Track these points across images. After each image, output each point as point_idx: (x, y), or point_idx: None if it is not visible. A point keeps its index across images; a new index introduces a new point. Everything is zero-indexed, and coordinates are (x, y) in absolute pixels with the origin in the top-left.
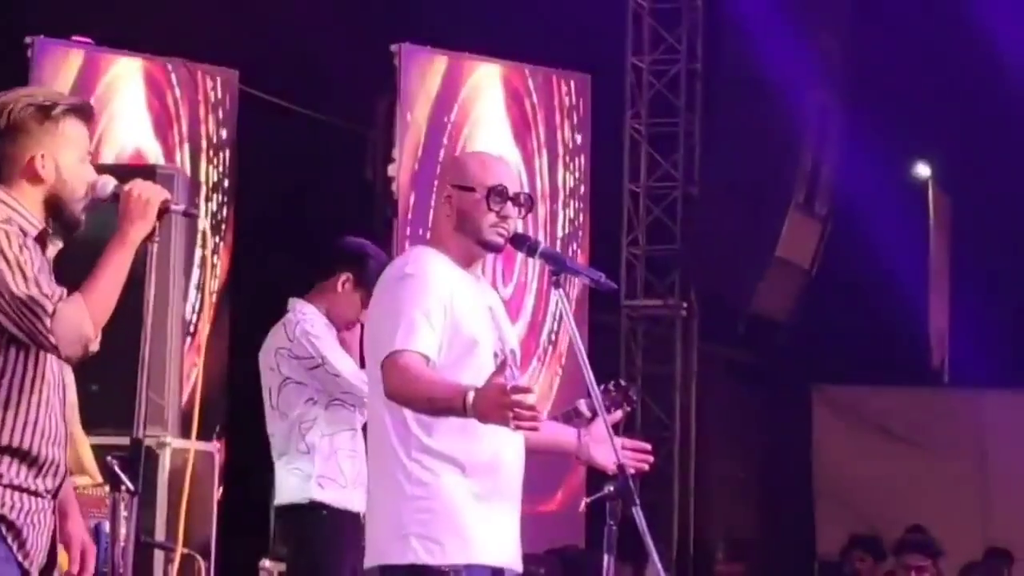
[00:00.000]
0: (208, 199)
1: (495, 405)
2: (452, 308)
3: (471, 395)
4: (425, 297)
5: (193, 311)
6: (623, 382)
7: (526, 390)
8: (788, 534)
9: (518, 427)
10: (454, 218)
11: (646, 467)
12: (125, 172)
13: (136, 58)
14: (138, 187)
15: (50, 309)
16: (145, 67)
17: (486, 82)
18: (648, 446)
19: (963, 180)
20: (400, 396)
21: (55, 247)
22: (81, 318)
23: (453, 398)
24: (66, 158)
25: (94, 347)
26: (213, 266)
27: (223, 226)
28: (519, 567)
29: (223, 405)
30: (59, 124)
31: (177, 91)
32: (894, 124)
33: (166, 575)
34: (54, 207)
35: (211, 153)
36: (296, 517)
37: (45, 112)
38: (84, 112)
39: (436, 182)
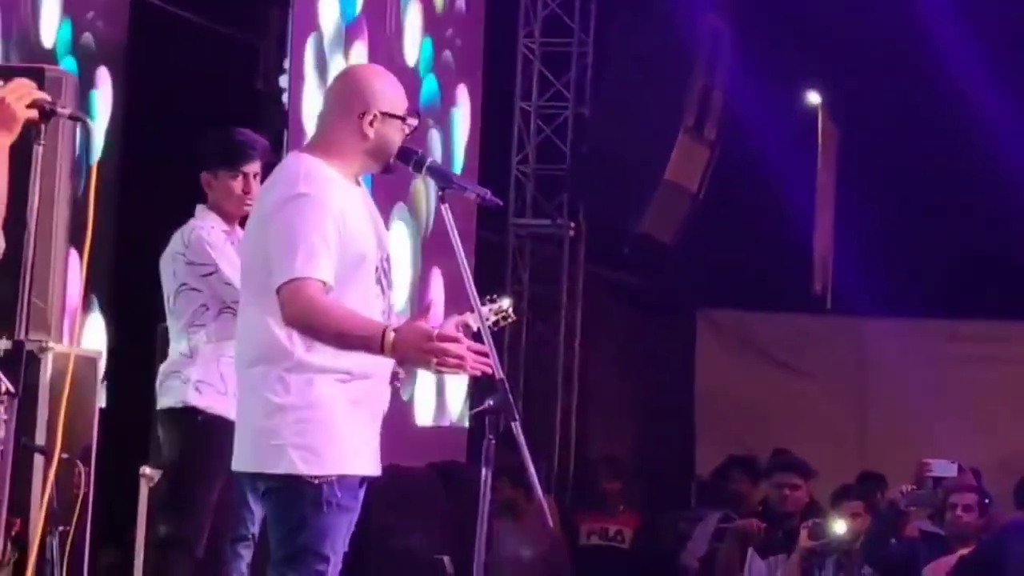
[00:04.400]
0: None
1: (419, 351)
2: (345, 227)
3: (391, 336)
4: (323, 220)
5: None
6: (494, 296)
7: (455, 339)
8: (668, 454)
9: (439, 371)
10: (373, 142)
11: (489, 370)
12: (11, 72)
13: None
14: (5, 93)
15: None
16: None
17: None
18: (487, 350)
19: (852, 111)
20: (303, 326)
21: None
22: None
23: (369, 337)
24: None
25: None
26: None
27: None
28: (379, 471)
29: (111, 312)
30: None
31: None
32: (785, 51)
33: (45, 480)
34: None
35: (102, 58)
36: (173, 421)
37: None
38: None
39: (341, 95)
